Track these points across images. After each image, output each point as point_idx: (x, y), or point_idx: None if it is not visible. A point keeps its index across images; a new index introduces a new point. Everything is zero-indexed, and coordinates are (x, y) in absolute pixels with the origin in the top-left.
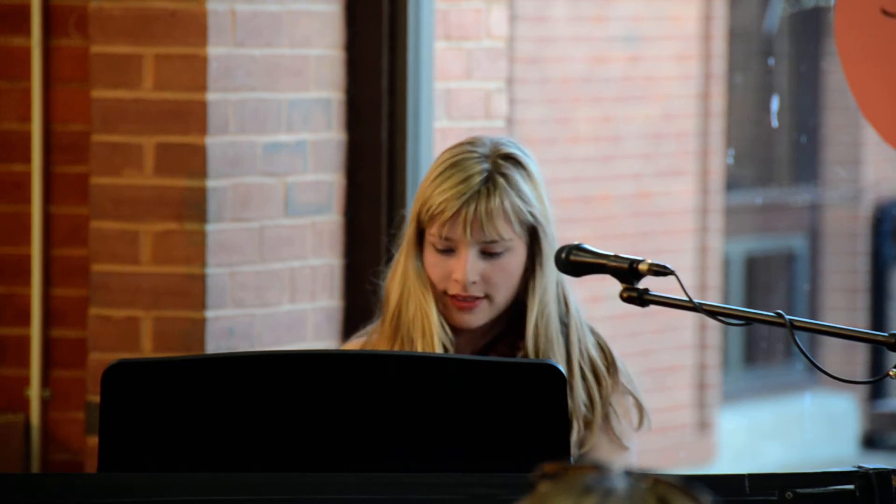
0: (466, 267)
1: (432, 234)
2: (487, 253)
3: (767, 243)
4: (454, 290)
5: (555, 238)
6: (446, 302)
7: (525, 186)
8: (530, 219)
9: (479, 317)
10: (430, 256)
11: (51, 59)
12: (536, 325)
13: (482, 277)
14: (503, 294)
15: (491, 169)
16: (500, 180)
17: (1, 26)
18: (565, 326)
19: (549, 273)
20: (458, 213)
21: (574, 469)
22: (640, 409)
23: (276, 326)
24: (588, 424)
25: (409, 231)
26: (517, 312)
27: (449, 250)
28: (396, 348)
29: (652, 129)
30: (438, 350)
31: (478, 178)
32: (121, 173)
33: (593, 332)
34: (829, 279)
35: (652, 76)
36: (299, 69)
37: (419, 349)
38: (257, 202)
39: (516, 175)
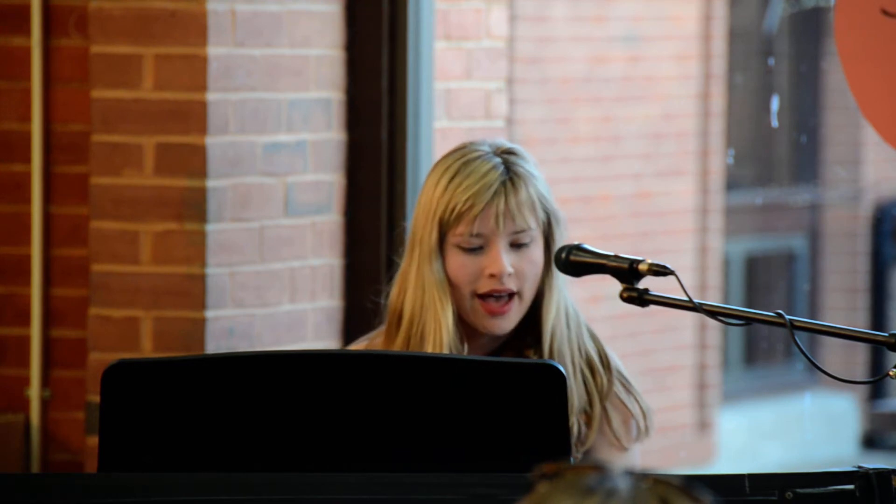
0: (501, 258)
1: (459, 233)
2: (516, 245)
3: (767, 243)
4: (488, 286)
5: (567, 227)
6: (476, 307)
7: (538, 177)
8: (551, 206)
9: (512, 319)
10: (457, 258)
11: (51, 59)
12: (555, 321)
13: (514, 270)
14: (530, 288)
15: (504, 162)
16: (521, 170)
17: (1, 26)
18: (567, 320)
19: None
20: (488, 206)
21: (574, 469)
22: (644, 414)
23: (276, 326)
24: (588, 420)
25: (426, 238)
26: (526, 316)
27: (478, 248)
28: None
29: (652, 129)
30: None
31: (497, 172)
32: (121, 173)
33: (588, 328)
34: (829, 279)
35: (652, 76)
36: (299, 69)
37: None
38: (257, 202)
39: (528, 167)
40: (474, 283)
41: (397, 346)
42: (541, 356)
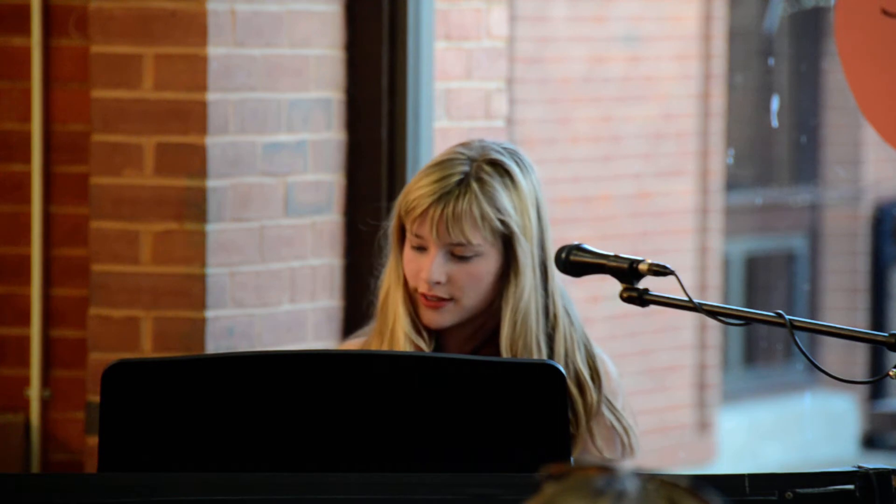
0: (432, 267)
1: (409, 229)
2: (456, 255)
3: (767, 243)
4: (423, 287)
5: (530, 251)
6: (417, 298)
7: (502, 195)
8: (501, 228)
9: (446, 317)
10: (407, 252)
11: (51, 59)
12: (511, 335)
13: (449, 279)
14: (471, 298)
15: (469, 172)
16: (474, 185)
17: (1, 26)
18: (550, 339)
19: (525, 284)
20: (426, 211)
21: (581, 470)
22: (626, 431)
23: (276, 326)
24: (573, 438)
25: (392, 225)
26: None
27: (422, 247)
28: (384, 345)
29: (652, 129)
30: (404, 348)
31: (454, 179)
32: (121, 173)
33: (587, 348)
34: (829, 279)
35: (652, 76)
36: (299, 69)
37: (385, 346)
38: (257, 202)
39: (495, 182)
40: (414, 280)
41: (376, 329)
42: None
